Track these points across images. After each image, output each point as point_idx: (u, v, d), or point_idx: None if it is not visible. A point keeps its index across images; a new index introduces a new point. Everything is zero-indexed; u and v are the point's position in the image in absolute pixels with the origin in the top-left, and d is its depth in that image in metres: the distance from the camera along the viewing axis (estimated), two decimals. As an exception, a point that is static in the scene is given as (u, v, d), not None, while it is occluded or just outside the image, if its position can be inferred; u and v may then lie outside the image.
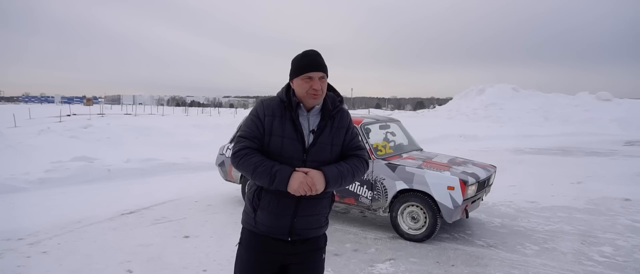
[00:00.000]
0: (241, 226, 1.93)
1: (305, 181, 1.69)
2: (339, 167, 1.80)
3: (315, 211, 1.84)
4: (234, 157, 1.78)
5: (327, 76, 1.83)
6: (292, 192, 1.69)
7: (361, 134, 4.69)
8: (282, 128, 1.78)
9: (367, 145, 4.61)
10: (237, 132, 5.37)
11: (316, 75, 1.77)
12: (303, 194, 1.70)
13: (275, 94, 1.89)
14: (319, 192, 1.73)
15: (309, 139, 1.80)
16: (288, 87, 1.86)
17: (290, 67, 1.85)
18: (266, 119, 1.80)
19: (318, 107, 1.84)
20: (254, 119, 1.82)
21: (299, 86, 1.79)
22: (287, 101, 1.80)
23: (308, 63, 1.78)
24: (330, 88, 1.91)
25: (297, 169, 1.73)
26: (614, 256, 3.99)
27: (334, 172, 1.77)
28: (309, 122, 1.82)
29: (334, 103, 1.87)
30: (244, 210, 1.92)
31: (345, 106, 1.96)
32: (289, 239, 1.82)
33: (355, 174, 1.85)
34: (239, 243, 1.92)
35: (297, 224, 1.81)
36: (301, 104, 1.81)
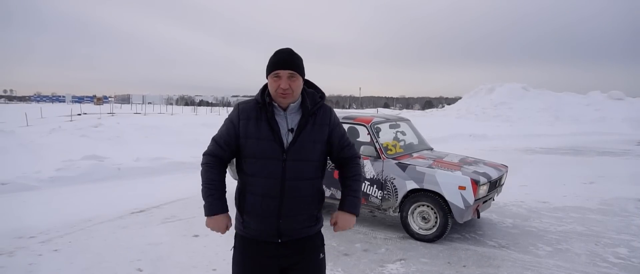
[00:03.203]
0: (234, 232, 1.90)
1: (216, 228, 1.81)
2: (355, 191, 1.87)
3: (301, 211, 1.77)
4: (202, 160, 1.86)
5: (302, 74, 1.74)
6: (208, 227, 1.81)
7: (371, 133, 4.66)
8: (258, 130, 1.72)
9: (377, 145, 4.58)
10: None
11: (284, 73, 1.68)
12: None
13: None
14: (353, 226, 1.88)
15: (287, 138, 1.72)
16: (265, 87, 1.79)
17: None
18: (241, 123, 1.75)
19: (296, 105, 1.76)
20: (228, 124, 1.80)
21: (270, 84, 1.73)
22: (261, 102, 1.74)
23: (276, 60, 1.70)
24: (311, 85, 1.86)
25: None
26: (629, 257, 3.91)
27: (356, 203, 1.86)
28: (288, 121, 1.74)
29: (314, 100, 1.79)
30: (235, 215, 1.85)
31: (327, 103, 1.88)
32: (279, 240, 1.77)
33: (362, 182, 1.95)
34: (234, 247, 1.88)
35: (283, 226, 1.75)
36: (275, 103, 1.74)
